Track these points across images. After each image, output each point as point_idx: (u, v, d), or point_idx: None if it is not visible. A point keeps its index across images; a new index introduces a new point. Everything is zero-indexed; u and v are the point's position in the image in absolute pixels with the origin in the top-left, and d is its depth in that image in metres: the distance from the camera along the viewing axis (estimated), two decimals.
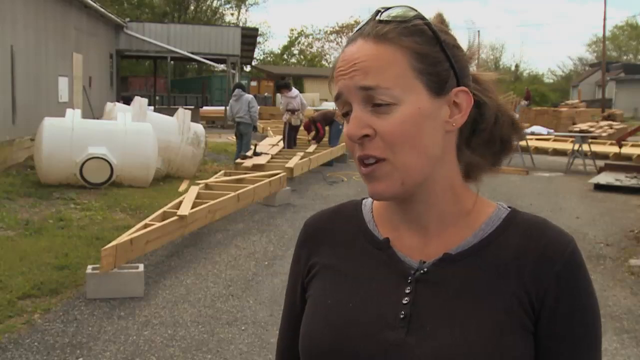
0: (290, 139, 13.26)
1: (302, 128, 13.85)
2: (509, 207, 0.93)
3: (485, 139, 0.93)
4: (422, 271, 0.88)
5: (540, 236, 0.87)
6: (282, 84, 13.65)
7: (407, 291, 0.87)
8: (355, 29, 0.88)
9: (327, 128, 14.30)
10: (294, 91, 13.42)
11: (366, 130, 0.83)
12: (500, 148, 0.94)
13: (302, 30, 63.55)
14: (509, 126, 0.94)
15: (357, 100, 0.84)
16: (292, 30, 72.94)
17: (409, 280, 0.87)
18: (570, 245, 0.86)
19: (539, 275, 0.84)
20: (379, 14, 0.86)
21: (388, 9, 0.86)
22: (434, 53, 0.85)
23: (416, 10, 0.86)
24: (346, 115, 0.87)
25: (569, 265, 0.85)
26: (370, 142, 0.83)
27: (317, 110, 17.95)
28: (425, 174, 0.86)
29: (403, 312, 0.85)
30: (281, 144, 13.45)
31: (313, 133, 14.20)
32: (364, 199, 1.02)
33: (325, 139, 14.23)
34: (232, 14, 52.09)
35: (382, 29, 0.84)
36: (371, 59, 0.83)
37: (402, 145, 0.83)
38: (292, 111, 13.01)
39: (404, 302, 0.86)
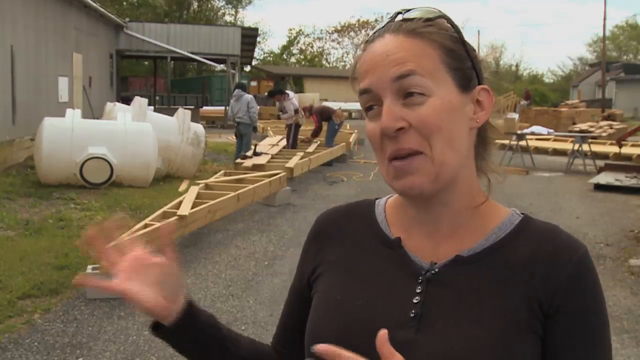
0: (295, 139, 13.33)
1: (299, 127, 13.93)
2: (522, 214, 0.94)
3: (484, 154, 0.95)
4: (433, 272, 0.88)
5: (551, 241, 0.87)
6: (276, 92, 13.88)
7: (418, 291, 0.87)
8: (377, 28, 0.90)
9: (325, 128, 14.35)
10: (290, 93, 13.62)
11: (401, 123, 0.82)
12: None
13: (301, 30, 63.66)
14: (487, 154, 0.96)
15: (390, 93, 0.84)
16: (290, 29, 73.01)
17: (420, 280, 0.88)
18: (581, 251, 0.87)
19: (549, 278, 0.85)
20: (399, 14, 0.88)
21: (409, 10, 0.88)
22: (459, 50, 0.87)
23: (440, 11, 0.88)
24: (370, 109, 0.86)
25: (578, 269, 0.85)
26: (405, 135, 0.83)
27: None
28: (456, 170, 0.86)
29: (413, 311, 0.86)
30: (281, 144, 13.46)
31: (313, 130, 14.30)
32: (377, 199, 1.02)
33: (322, 138, 14.27)
34: (230, 14, 52.18)
35: (411, 25, 0.86)
36: (405, 50, 0.84)
37: (438, 136, 0.83)
38: (296, 111, 13.14)
39: (415, 301, 0.86)
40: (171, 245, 0.92)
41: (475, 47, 0.91)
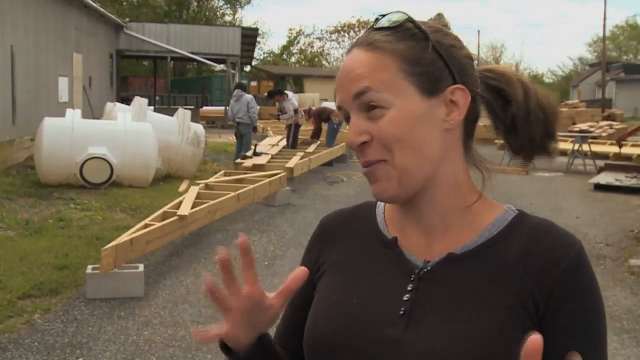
0: (295, 139, 13.36)
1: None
2: (517, 210, 0.93)
3: (518, 125, 0.92)
4: (425, 270, 0.89)
5: (546, 238, 0.87)
6: (275, 92, 13.90)
7: (409, 288, 0.88)
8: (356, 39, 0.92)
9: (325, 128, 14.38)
10: (289, 93, 13.71)
11: (363, 137, 0.86)
12: (531, 145, 0.93)
13: (301, 30, 63.64)
14: (540, 123, 0.92)
15: (354, 110, 0.87)
16: (290, 29, 72.90)
17: (412, 278, 0.89)
18: (576, 247, 0.86)
19: (544, 275, 0.84)
20: (377, 20, 0.90)
21: (384, 16, 0.89)
22: (424, 54, 0.86)
23: (407, 15, 0.88)
24: (348, 121, 0.90)
25: (574, 266, 0.85)
26: (369, 148, 0.86)
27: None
28: (424, 174, 0.87)
29: (403, 309, 0.87)
30: (281, 144, 13.46)
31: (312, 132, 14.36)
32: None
33: (322, 138, 14.29)
34: (228, 15, 52.16)
35: (372, 37, 0.88)
36: (361, 66, 0.86)
37: (396, 146, 0.85)
38: (295, 111, 13.18)
39: (405, 298, 0.87)
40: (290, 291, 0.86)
41: (474, 49, 0.91)
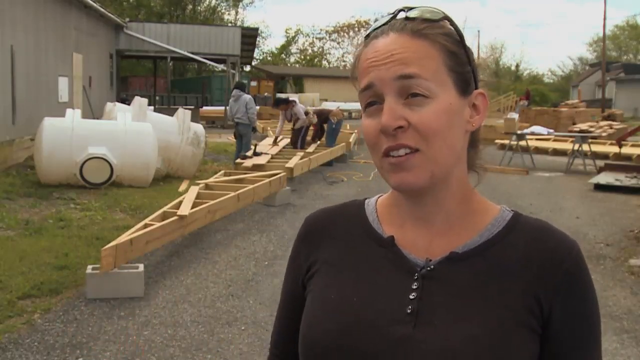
0: (304, 140, 13.39)
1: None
2: (512, 210, 0.95)
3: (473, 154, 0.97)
4: (428, 268, 0.88)
5: (547, 239, 0.89)
6: (281, 101, 13.83)
7: (414, 287, 0.87)
8: (378, 24, 0.89)
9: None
10: (295, 98, 13.80)
11: (401, 122, 0.83)
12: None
13: (299, 29, 63.61)
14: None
15: (392, 92, 0.84)
16: (287, 29, 72.73)
17: (416, 277, 0.88)
18: (576, 247, 0.89)
19: (548, 276, 0.86)
20: (401, 12, 0.88)
21: (412, 8, 0.88)
22: (460, 54, 0.88)
23: (443, 12, 0.89)
24: (370, 105, 0.87)
25: (576, 266, 0.87)
26: (403, 134, 0.84)
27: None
28: (450, 169, 0.88)
29: (410, 307, 0.86)
30: (281, 144, 13.46)
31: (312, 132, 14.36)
32: (366, 199, 1.02)
33: (323, 139, 14.29)
34: (228, 14, 52.09)
35: (416, 26, 0.86)
36: (410, 50, 0.84)
37: (435, 137, 0.84)
38: (306, 113, 13.24)
39: (411, 297, 0.87)
40: None
41: (474, 49, 0.92)
